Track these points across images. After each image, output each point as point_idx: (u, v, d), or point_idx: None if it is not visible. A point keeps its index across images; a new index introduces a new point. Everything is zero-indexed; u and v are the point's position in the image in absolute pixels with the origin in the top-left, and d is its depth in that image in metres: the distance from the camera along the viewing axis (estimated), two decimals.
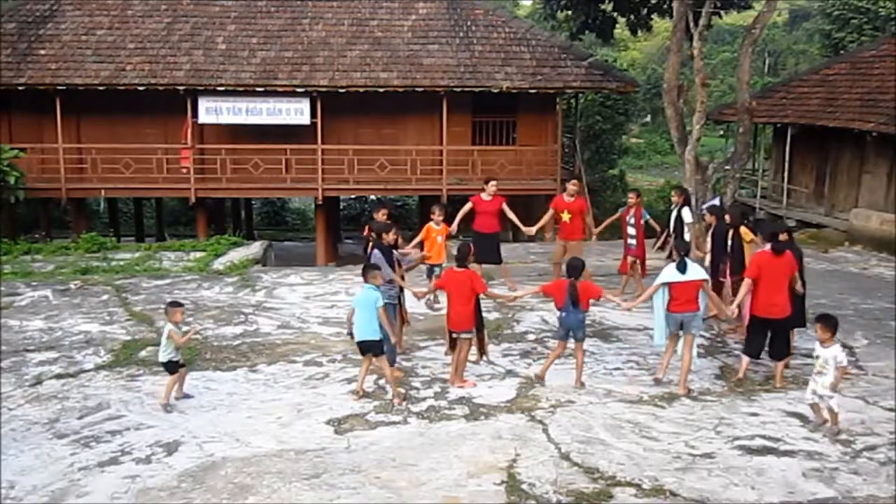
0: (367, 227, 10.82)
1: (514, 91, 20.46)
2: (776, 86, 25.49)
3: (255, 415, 7.93)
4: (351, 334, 8.35)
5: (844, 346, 10.22)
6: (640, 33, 27.03)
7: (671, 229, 12.20)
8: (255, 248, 16.90)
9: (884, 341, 10.48)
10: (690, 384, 8.67)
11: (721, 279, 10.43)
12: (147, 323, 11.08)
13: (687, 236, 11.83)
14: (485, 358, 9.26)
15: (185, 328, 8.32)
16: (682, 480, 6.61)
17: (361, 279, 8.56)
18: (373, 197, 28.01)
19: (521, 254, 16.45)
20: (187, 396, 8.26)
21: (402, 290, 9.36)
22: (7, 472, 6.64)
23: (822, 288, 12.90)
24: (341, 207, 30.19)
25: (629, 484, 6.55)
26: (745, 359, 9.06)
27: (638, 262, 12.32)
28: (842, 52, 29.38)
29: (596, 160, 31.96)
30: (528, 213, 17.38)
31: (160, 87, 19.80)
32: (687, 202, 12.31)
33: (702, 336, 9.99)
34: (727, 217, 10.53)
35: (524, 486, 6.47)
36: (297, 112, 20.27)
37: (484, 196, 12.52)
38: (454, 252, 9.14)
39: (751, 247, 10.37)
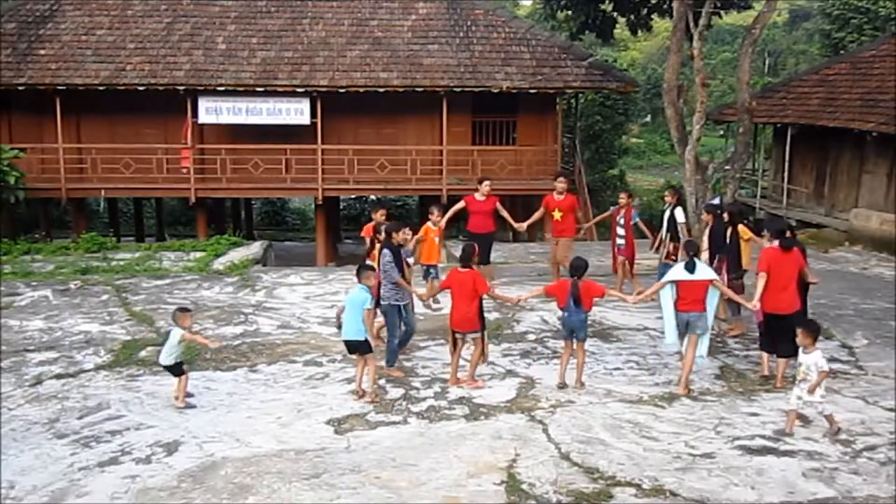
0: (367, 228, 10.85)
1: (514, 91, 20.45)
2: (776, 86, 25.49)
3: (255, 415, 7.93)
4: (340, 328, 8.43)
5: (844, 345, 10.31)
6: (640, 33, 27.05)
7: (665, 229, 12.20)
8: (255, 248, 16.91)
9: (884, 341, 10.48)
10: (690, 384, 8.67)
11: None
12: (147, 323, 11.08)
13: (680, 236, 11.84)
14: (482, 360, 9.23)
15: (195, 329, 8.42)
16: (682, 480, 6.61)
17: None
18: (373, 197, 28.03)
19: (521, 254, 16.46)
20: (188, 395, 8.26)
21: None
22: (7, 472, 6.64)
23: (822, 288, 12.86)
24: (341, 207, 30.20)
25: (629, 484, 6.55)
26: (765, 355, 9.07)
27: (626, 262, 12.35)
28: (842, 52, 29.38)
29: (596, 160, 31.98)
30: (529, 214, 17.19)
31: (160, 87, 19.80)
32: (680, 202, 12.31)
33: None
34: (725, 215, 10.53)
35: (524, 486, 6.47)
36: (297, 112, 20.27)
37: (478, 196, 12.51)
38: (454, 252, 9.15)
39: (748, 245, 10.37)
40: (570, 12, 24.92)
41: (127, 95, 20.04)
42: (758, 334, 10.13)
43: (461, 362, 8.91)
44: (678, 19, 14.55)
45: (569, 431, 7.52)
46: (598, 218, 13.44)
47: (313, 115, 20.24)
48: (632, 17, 23.90)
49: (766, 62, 56.50)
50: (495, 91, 20.34)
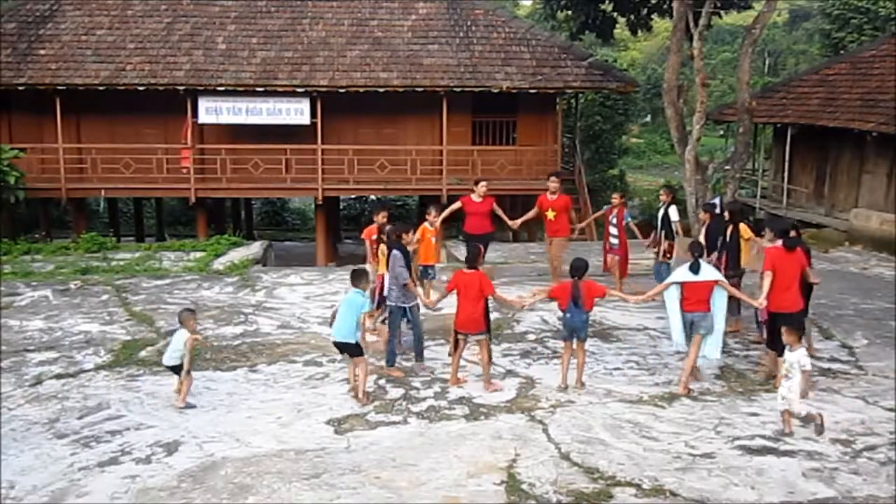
0: (368, 230, 10.82)
1: (514, 91, 20.45)
2: (776, 86, 25.49)
3: (255, 415, 7.93)
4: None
5: (844, 345, 10.31)
6: (640, 33, 27.04)
7: (659, 227, 12.19)
8: (255, 248, 16.91)
9: (884, 341, 10.47)
10: (690, 384, 8.67)
11: None
12: (147, 323, 11.08)
13: (674, 234, 11.86)
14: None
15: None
16: (682, 480, 6.61)
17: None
18: (373, 197, 28.03)
19: (521, 254, 16.45)
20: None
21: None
22: (7, 472, 6.64)
23: (822, 288, 12.81)
24: (341, 207, 30.20)
25: (629, 484, 6.55)
26: (772, 353, 9.06)
27: (619, 261, 12.36)
28: (842, 52, 29.38)
29: (596, 160, 31.98)
30: None
31: (160, 87, 19.80)
32: (674, 200, 12.32)
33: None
34: (726, 213, 10.52)
35: (524, 486, 6.47)
36: (297, 112, 20.27)
37: (474, 197, 12.50)
38: (454, 252, 9.14)
39: (748, 244, 10.35)
40: (570, 12, 24.93)
41: (127, 95, 20.04)
42: (757, 334, 10.17)
43: (461, 363, 8.91)
44: (678, 19, 14.54)
45: (569, 431, 7.52)
46: (590, 218, 13.46)
47: (313, 115, 20.24)
48: (632, 17, 23.90)
49: (766, 62, 56.49)
50: (495, 91, 20.34)
